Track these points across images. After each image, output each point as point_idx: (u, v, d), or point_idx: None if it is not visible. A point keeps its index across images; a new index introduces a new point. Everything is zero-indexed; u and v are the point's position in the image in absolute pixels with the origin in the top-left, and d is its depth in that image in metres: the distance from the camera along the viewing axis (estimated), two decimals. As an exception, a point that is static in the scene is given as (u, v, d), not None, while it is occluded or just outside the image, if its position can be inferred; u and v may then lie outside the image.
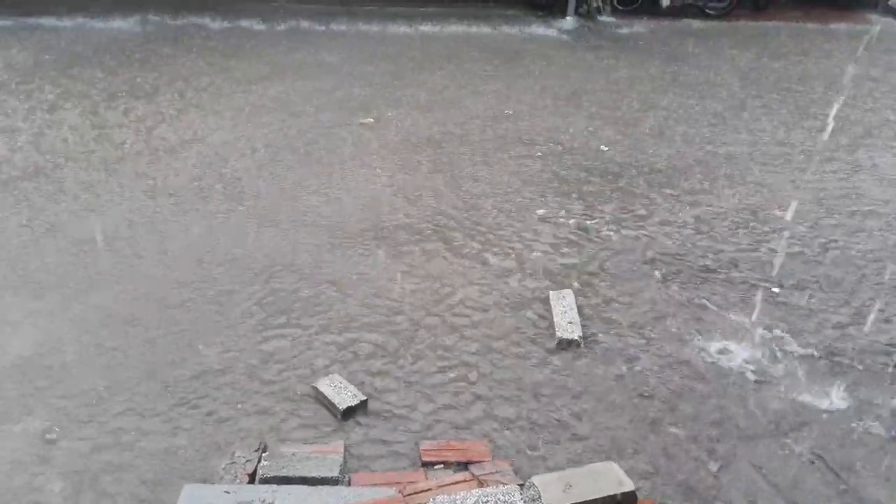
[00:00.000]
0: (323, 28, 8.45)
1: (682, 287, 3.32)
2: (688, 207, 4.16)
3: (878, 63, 8.00)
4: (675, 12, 10.26)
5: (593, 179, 4.50)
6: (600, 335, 2.93)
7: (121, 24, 7.95)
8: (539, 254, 3.56)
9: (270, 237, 3.59)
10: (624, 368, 2.74)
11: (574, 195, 4.26)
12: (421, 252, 3.52)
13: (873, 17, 10.60)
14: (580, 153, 4.93)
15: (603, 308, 3.13)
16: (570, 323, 2.93)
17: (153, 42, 7.34)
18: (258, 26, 8.29)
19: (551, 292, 3.17)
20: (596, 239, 3.74)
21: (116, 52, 6.87)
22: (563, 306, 3.05)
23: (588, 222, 3.91)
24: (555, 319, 2.96)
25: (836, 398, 2.62)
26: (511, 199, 4.16)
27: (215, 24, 8.25)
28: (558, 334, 2.85)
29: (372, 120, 5.33)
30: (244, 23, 8.33)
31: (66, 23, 7.85)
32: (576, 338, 2.84)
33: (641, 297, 3.23)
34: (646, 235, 3.80)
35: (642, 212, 4.08)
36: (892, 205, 4.29)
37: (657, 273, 3.43)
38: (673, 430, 2.43)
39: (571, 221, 3.92)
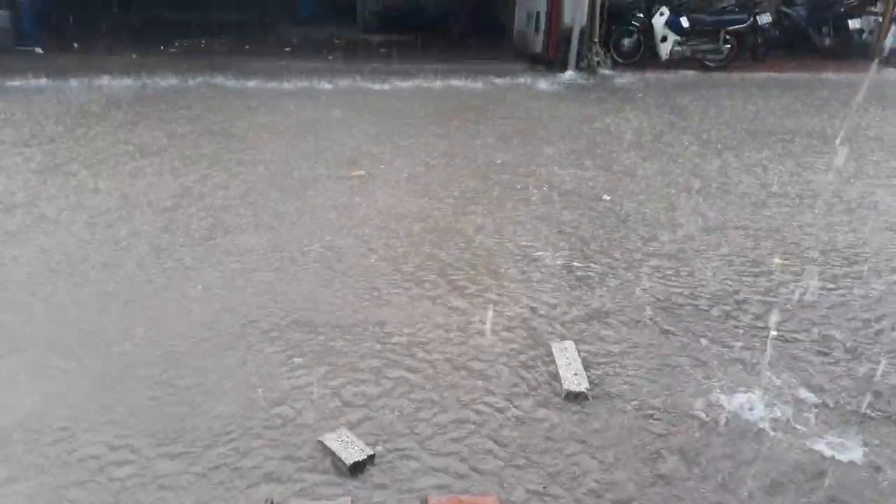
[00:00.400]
0: (329, 86, 8.68)
1: (686, 335, 3.30)
2: (688, 256, 4.17)
3: (876, 113, 8.13)
4: (674, 65, 10.52)
5: (593, 228, 4.53)
6: (606, 386, 2.90)
7: (131, 82, 8.18)
8: (540, 303, 3.56)
9: (268, 288, 3.61)
10: (632, 420, 2.70)
11: (574, 244, 4.28)
12: (418, 300, 3.53)
13: (869, 67, 10.82)
14: (581, 202, 4.98)
15: (608, 358, 3.11)
16: (576, 374, 2.90)
17: (161, 101, 7.53)
18: (268, 85, 8.52)
19: (553, 344, 3.15)
20: (598, 288, 3.74)
21: (126, 109, 7.06)
22: (567, 358, 3.02)
23: (589, 270, 3.92)
24: (560, 371, 2.93)
25: (853, 448, 2.58)
26: (509, 248, 4.18)
27: (227, 83, 8.49)
28: (565, 387, 2.81)
29: (363, 173, 5.41)
30: (253, 83, 8.57)
31: (76, 83, 8.08)
32: (583, 390, 2.81)
33: (646, 346, 3.20)
34: (648, 283, 3.80)
35: (643, 260, 4.09)
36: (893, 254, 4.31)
37: (660, 321, 3.42)
38: (685, 482, 2.39)
39: (566, 265, 3.93)
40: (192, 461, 2.40)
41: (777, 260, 4.03)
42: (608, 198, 5.10)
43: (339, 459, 2.39)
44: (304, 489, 2.29)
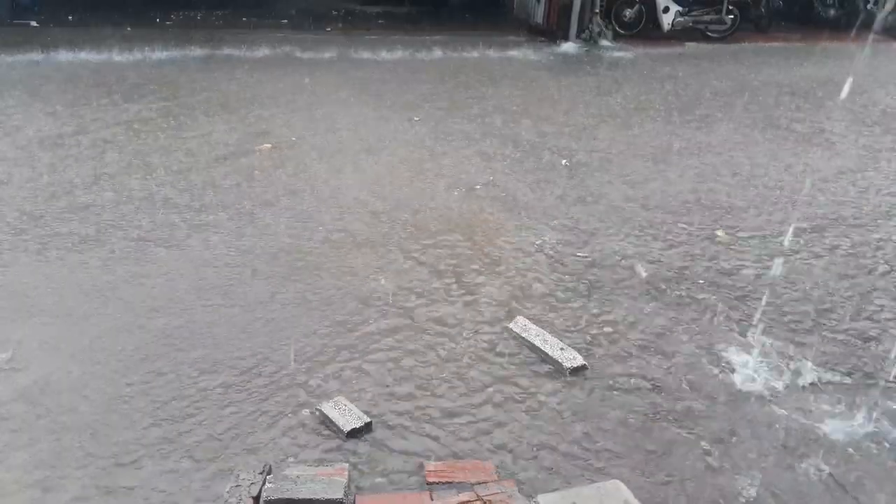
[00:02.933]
0: (312, 55, 8.59)
1: (675, 304, 3.31)
2: (667, 226, 4.17)
3: (879, 82, 8.05)
4: (676, 35, 10.38)
5: (566, 204, 4.53)
6: (595, 356, 2.92)
7: (120, 58, 8.04)
8: (511, 267, 3.57)
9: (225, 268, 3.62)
10: (623, 390, 2.72)
11: (552, 217, 4.27)
12: (363, 275, 3.54)
13: (871, 36, 10.69)
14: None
15: (591, 329, 3.12)
16: (562, 350, 2.88)
17: (152, 75, 7.46)
18: (257, 54, 8.42)
19: (511, 325, 3.05)
20: (567, 258, 3.74)
21: (120, 84, 6.99)
22: (535, 334, 2.98)
23: (558, 242, 3.93)
24: (545, 350, 2.87)
25: (847, 417, 2.60)
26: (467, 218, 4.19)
27: (218, 53, 8.39)
28: (566, 366, 2.78)
29: (269, 146, 5.20)
30: (258, 53, 8.46)
31: (68, 56, 7.96)
32: (583, 363, 2.80)
33: (628, 315, 3.22)
34: (628, 253, 3.80)
35: (622, 229, 4.09)
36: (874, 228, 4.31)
37: (638, 287, 3.43)
38: (682, 450, 2.41)
39: (543, 241, 3.93)
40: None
41: (720, 233, 4.05)
42: (566, 162, 5.16)
43: (337, 427, 2.42)
44: (303, 454, 2.32)
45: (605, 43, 9.88)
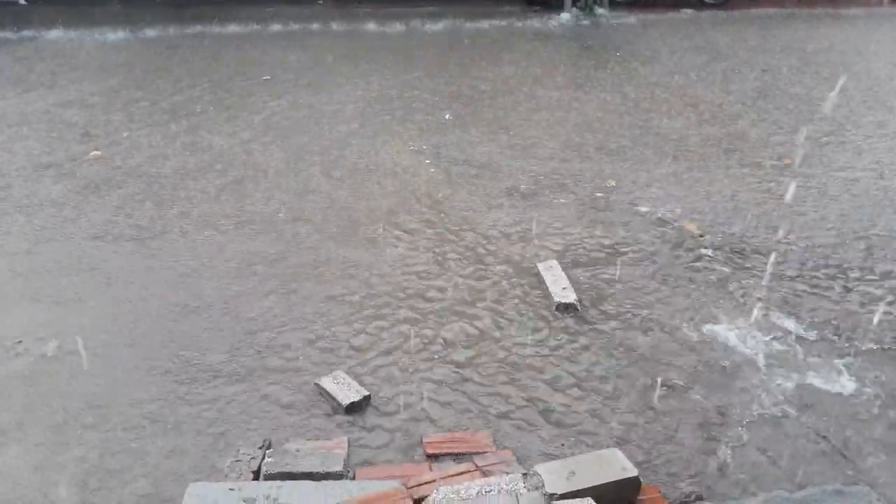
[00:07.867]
0: (298, 27, 8.51)
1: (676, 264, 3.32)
2: (675, 190, 4.17)
3: (880, 50, 7.96)
4: (673, 2, 10.24)
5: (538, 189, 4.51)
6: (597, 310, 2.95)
7: (99, 37, 7.95)
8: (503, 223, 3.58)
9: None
10: (623, 344, 2.74)
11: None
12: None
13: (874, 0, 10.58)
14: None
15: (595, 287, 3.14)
16: (564, 289, 3.08)
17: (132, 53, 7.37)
18: (244, 29, 8.34)
19: (539, 264, 3.30)
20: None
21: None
22: (553, 275, 3.20)
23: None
24: (549, 287, 3.10)
25: (841, 378, 2.61)
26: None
27: (214, 29, 8.29)
28: (556, 299, 2.99)
29: (98, 153, 4.76)
30: (234, 28, 8.37)
31: (47, 34, 7.87)
32: (573, 301, 2.99)
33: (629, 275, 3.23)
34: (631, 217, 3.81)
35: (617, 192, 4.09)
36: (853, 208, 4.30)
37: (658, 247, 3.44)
38: (676, 413, 2.42)
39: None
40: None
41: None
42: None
43: (336, 401, 2.43)
44: (302, 428, 2.34)
45: (601, 11, 9.76)
